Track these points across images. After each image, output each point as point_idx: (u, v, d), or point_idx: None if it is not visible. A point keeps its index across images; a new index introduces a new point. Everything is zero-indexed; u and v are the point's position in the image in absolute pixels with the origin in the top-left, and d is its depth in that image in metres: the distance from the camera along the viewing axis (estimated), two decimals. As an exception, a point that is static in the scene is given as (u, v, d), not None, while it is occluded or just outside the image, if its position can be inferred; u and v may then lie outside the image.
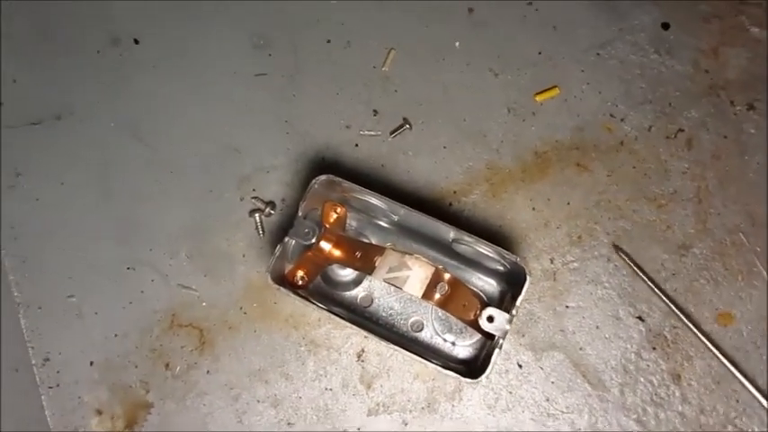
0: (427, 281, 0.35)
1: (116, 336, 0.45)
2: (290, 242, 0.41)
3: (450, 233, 0.40)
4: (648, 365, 0.43)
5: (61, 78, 0.50)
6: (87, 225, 0.47)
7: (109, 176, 0.48)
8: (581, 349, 0.43)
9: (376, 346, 0.44)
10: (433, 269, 0.35)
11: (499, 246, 0.39)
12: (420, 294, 0.35)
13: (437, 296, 0.35)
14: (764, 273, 0.44)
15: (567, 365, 0.43)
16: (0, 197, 0.48)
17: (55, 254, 0.47)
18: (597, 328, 0.44)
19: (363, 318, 0.44)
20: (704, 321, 0.43)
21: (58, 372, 0.45)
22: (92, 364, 0.45)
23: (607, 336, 0.43)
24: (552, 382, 0.43)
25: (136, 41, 0.50)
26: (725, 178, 0.46)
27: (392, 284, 0.36)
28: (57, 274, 0.46)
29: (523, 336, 0.44)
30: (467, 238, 0.39)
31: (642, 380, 0.43)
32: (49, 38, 0.51)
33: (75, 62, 0.50)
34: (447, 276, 0.35)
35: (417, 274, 0.35)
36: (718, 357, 0.42)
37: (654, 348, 0.43)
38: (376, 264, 0.38)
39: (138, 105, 0.49)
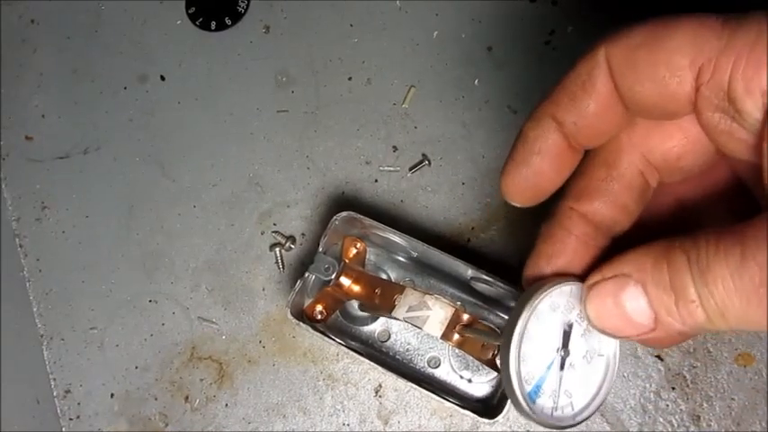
0: (447, 321, 0.35)
1: (136, 368, 0.46)
2: (310, 277, 0.42)
3: (469, 271, 0.41)
4: (668, 405, 0.43)
5: (88, 114, 0.51)
6: (111, 258, 0.48)
7: (133, 210, 0.49)
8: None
9: (393, 382, 0.44)
10: (452, 309, 0.35)
11: (517, 284, 0.39)
12: (439, 335, 0.35)
13: (456, 336, 0.35)
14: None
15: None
16: (26, 230, 0.49)
17: (78, 286, 0.47)
18: (616, 366, 0.43)
19: (380, 353, 0.44)
20: (723, 361, 0.43)
21: (78, 404, 0.45)
22: (112, 396, 0.45)
23: (626, 375, 0.43)
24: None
25: (162, 78, 0.52)
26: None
27: (412, 324, 0.36)
28: (80, 306, 0.47)
29: (541, 373, 0.44)
30: (485, 276, 0.40)
31: (662, 420, 0.42)
32: (78, 74, 0.52)
33: (102, 98, 0.51)
34: (466, 317, 0.35)
35: (437, 314, 0.35)
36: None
37: (673, 388, 0.43)
38: (395, 302, 0.38)
39: (163, 140, 0.50)
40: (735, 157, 0.25)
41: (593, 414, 0.29)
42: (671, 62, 0.23)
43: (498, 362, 0.30)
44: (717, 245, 0.21)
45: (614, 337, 0.26)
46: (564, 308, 0.28)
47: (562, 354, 0.28)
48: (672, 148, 0.27)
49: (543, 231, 0.29)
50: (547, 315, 0.28)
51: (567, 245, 0.28)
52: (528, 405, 0.27)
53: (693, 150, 0.27)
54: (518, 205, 0.29)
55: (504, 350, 0.27)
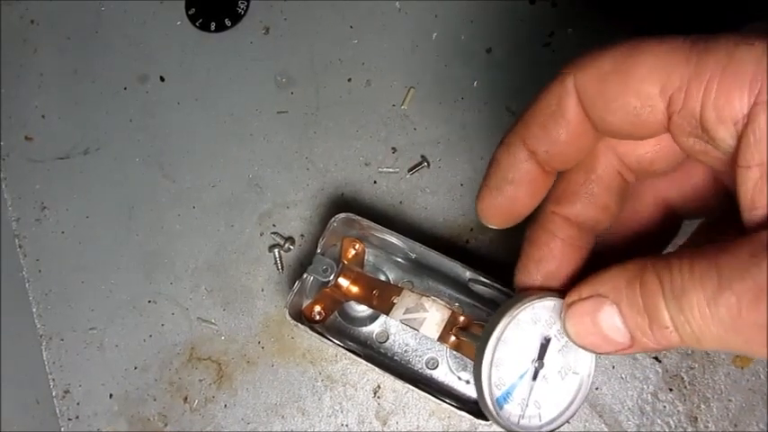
0: (443, 323, 0.35)
1: (136, 368, 0.46)
2: (309, 278, 0.42)
3: (467, 273, 0.41)
4: (665, 407, 0.43)
5: (89, 114, 0.51)
6: (111, 258, 0.48)
7: (133, 211, 0.49)
8: (597, 389, 0.43)
9: (392, 383, 0.45)
10: (449, 312, 0.35)
11: (512, 286, 0.39)
12: (436, 337, 0.35)
13: (452, 339, 0.35)
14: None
15: (583, 405, 0.43)
16: (26, 230, 0.49)
17: (78, 287, 0.48)
18: (613, 368, 0.44)
19: (379, 354, 0.44)
20: (720, 362, 0.43)
21: (77, 404, 0.46)
22: (111, 396, 0.46)
23: (624, 376, 0.43)
24: (568, 423, 0.43)
25: (162, 79, 0.52)
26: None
27: (409, 326, 0.36)
28: (79, 306, 0.47)
29: (539, 375, 0.44)
30: (482, 278, 0.40)
31: (659, 421, 0.43)
32: (78, 75, 0.52)
33: (102, 98, 0.51)
34: (462, 319, 0.36)
35: (434, 316, 0.35)
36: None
37: (671, 390, 0.43)
38: (393, 302, 0.38)
39: (163, 141, 0.50)
40: (713, 167, 0.25)
41: (558, 428, 0.30)
42: (641, 92, 0.23)
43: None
44: (691, 268, 0.21)
45: (594, 352, 0.26)
46: (545, 322, 0.28)
47: (536, 365, 0.29)
48: (645, 154, 0.27)
49: (529, 236, 0.30)
50: (526, 325, 0.28)
51: (553, 248, 0.28)
52: (494, 408, 0.28)
53: (666, 155, 0.27)
54: (495, 228, 0.30)
55: (479, 352, 0.28)
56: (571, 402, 0.30)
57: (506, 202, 0.28)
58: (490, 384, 0.28)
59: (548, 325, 0.29)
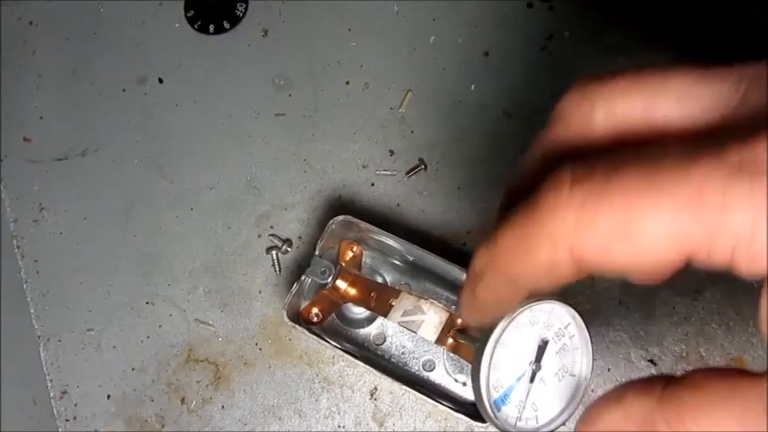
0: (441, 326, 0.35)
1: (133, 369, 0.46)
2: (307, 280, 0.42)
3: (464, 276, 0.41)
4: (660, 410, 0.43)
5: (87, 116, 0.51)
6: (109, 260, 0.48)
7: (131, 212, 0.49)
8: (592, 391, 0.43)
9: (389, 385, 0.45)
10: (447, 314, 0.36)
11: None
12: (434, 339, 0.35)
13: (450, 341, 0.36)
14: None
15: (579, 407, 0.43)
16: (24, 231, 0.49)
17: (76, 287, 0.48)
18: (609, 370, 0.44)
19: (376, 355, 0.45)
20: (716, 365, 0.43)
21: (75, 405, 0.46)
22: (109, 397, 0.46)
23: (618, 378, 0.44)
24: (564, 424, 0.43)
25: (160, 80, 0.52)
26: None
27: (406, 328, 0.37)
28: (77, 307, 0.47)
29: (535, 377, 0.44)
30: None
31: (654, 424, 0.43)
32: (77, 76, 0.52)
33: (101, 100, 0.52)
34: (459, 321, 0.36)
35: (432, 318, 0.36)
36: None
37: (666, 393, 0.43)
38: (391, 305, 0.38)
39: (161, 143, 0.50)
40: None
41: (556, 429, 0.30)
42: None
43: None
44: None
45: None
46: (543, 324, 0.29)
47: (534, 367, 0.29)
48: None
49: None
50: (525, 328, 0.28)
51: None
52: (492, 411, 0.28)
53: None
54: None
55: (478, 355, 0.28)
56: (568, 404, 0.31)
57: (485, 318, 0.26)
58: (488, 386, 0.28)
59: (545, 327, 0.29)
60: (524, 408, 0.29)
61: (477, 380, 0.28)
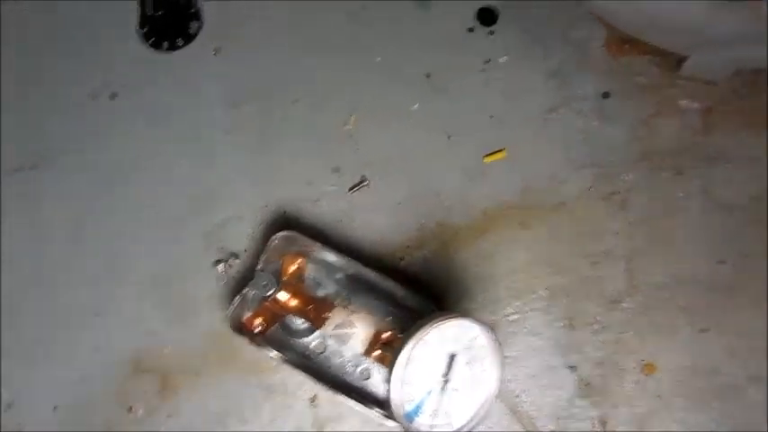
0: (369, 339, 0.38)
1: (81, 380, 0.47)
2: (250, 292, 0.44)
3: (399, 290, 0.44)
4: (579, 412, 0.46)
5: (40, 129, 0.52)
6: (58, 272, 0.49)
7: (82, 224, 0.50)
8: (517, 396, 0.47)
9: (328, 392, 0.47)
10: (374, 329, 0.38)
11: (442, 300, 0.42)
12: (362, 351, 0.38)
13: (378, 353, 0.38)
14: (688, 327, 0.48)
15: (504, 412, 0.46)
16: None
17: (24, 300, 0.49)
18: (533, 377, 0.47)
19: (317, 364, 0.47)
20: (630, 371, 0.47)
21: (21, 416, 0.47)
22: (55, 408, 0.47)
23: (542, 384, 0.47)
24: (490, 427, 0.46)
25: (114, 95, 0.53)
26: (654, 238, 0.50)
27: (338, 340, 0.39)
28: (24, 319, 0.48)
29: (467, 383, 0.47)
30: (413, 295, 0.43)
31: (573, 426, 0.46)
32: (31, 90, 0.53)
33: (54, 113, 0.53)
34: (388, 335, 0.38)
35: (360, 332, 0.38)
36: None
37: (584, 396, 0.47)
38: (326, 317, 0.41)
39: (113, 156, 0.52)
40: None
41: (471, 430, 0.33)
42: None
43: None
44: None
45: None
46: (452, 339, 0.32)
47: (445, 379, 0.32)
48: None
49: None
50: (434, 345, 0.31)
51: None
52: (405, 423, 0.31)
53: None
54: None
55: (389, 373, 0.31)
56: (479, 410, 0.33)
57: None
58: (401, 400, 0.31)
59: (454, 341, 0.32)
60: (438, 416, 0.32)
61: (389, 396, 0.30)
